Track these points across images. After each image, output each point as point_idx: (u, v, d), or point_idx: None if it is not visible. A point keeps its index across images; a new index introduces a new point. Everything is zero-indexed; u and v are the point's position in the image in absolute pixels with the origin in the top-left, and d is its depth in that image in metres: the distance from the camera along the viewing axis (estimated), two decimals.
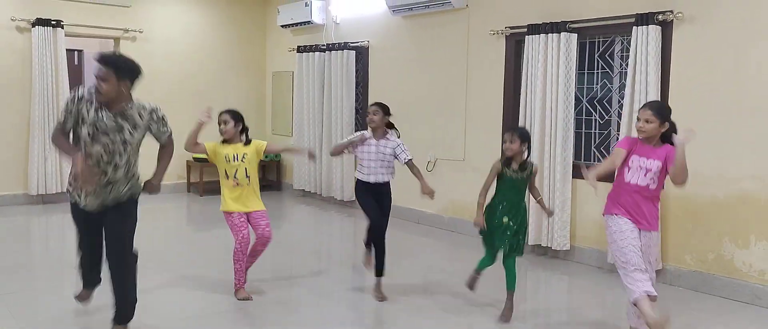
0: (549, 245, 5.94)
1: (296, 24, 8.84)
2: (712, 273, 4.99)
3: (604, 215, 3.88)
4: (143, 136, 3.68)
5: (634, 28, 5.23)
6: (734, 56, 4.81)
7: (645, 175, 3.71)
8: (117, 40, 8.77)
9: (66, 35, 8.18)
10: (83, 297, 4.12)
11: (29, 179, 8.08)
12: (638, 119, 3.74)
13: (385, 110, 4.84)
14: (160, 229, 7.19)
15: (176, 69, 9.19)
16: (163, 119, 3.73)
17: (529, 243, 6.07)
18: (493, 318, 4.37)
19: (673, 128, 3.74)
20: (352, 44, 8.23)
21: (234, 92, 9.79)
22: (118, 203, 3.67)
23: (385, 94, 7.93)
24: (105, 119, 3.51)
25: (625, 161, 3.75)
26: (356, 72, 8.31)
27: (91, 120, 3.50)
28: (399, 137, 4.91)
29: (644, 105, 3.81)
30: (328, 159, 8.52)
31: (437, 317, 4.41)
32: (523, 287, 5.15)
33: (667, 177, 3.74)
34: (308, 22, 8.62)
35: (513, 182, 4.22)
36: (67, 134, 3.63)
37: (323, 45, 8.57)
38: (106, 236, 3.69)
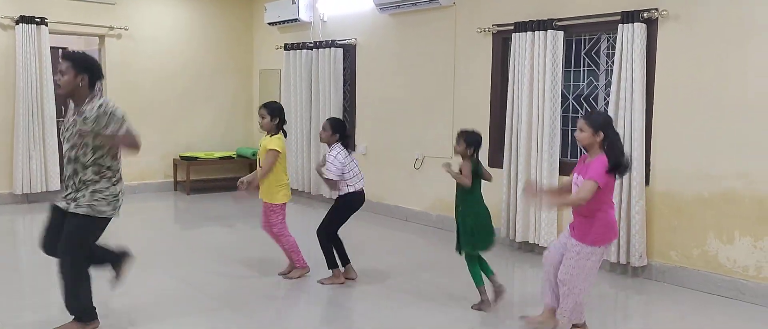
0: (536, 242, 5.97)
1: (283, 22, 8.81)
2: (696, 269, 5.04)
3: (589, 244, 3.76)
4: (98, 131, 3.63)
5: (620, 25, 5.27)
6: (719, 54, 4.85)
7: (576, 190, 3.73)
8: (102, 37, 8.70)
9: (50, 33, 8.09)
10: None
11: (14, 179, 8.00)
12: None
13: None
14: (146, 228, 7.15)
15: (162, 67, 9.14)
16: (112, 113, 3.64)
17: (517, 240, 6.11)
18: (480, 312, 4.38)
19: (614, 139, 3.69)
20: (339, 42, 8.22)
21: (221, 89, 9.75)
22: (76, 214, 3.67)
23: (372, 92, 7.95)
24: (69, 118, 3.71)
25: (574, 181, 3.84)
26: (344, 70, 8.30)
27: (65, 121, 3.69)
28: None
29: (580, 115, 3.85)
30: (315, 157, 8.51)
31: (423, 310, 4.42)
32: (510, 283, 5.17)
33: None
34: (295, 20, 8.60)
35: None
36: None
37: (310, 43, 8.56)
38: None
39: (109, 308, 4.29)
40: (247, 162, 9.78)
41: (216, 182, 9.61)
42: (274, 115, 4.95)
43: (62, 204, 3.75)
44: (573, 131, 5.97)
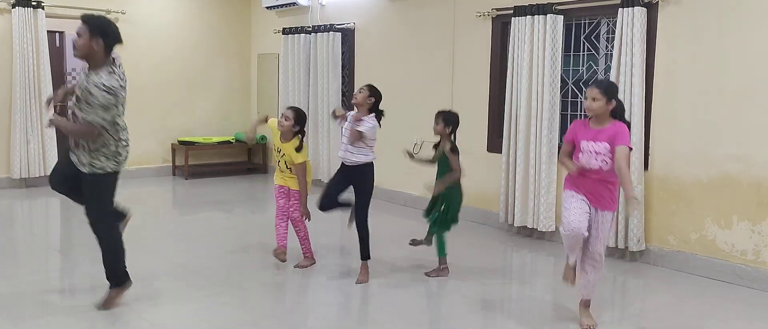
0: (535, 227, 5.98)
1: (281, 5, 8.75)
2: (694, 253, 5.05)
3: (615, 210, 3.90)
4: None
5: (620, 9, 5.24)
6: (718, 38, 4.83)
7: (596, 158, 3.70)
8: None
9: (47, 17, 8.04)
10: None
11: (11, 163, 7.99)
12: (586, 97, 3.72)
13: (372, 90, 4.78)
14: (145, 212, 7.15)
15: (160, 51, 9.09)
16: (96, 95, 3.66)
17: (515, 224, 6.11)
18: (476, 292, 4.40)
19: (621, 107, 3.76)
20: (337, 26, 8.18)
21: (219, 74, 9.71)
22: (83, 173, 3.85)
23: (371, 76, 7.90)
24: (81, 79, 3.77)
25: (578, 147, 3.77)
26: (342, 54, 8.26)
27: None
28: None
29: (591, 83, 3.83)
30: (314, 142, 8.50)
31: (426, 295, 4.43)
32: (509, 267, 5.18)
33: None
34: (293, 4, 8.54)
35: (440, 160, 4.79)
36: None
37: (309, 27, 8.51)
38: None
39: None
40: (245, 147, 9.77)
41: (214, 166, 9.60)
42: (298, 122, 4.83)
43: (73, 158, 3.88)
44: (573, 116, 5.99)
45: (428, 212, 4.86)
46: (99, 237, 3.99)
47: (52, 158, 8.12)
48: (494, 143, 6.44)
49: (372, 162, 4.76)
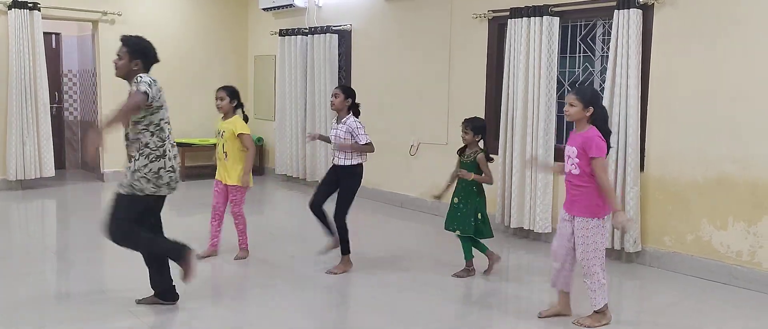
0: (531, 228, 5.99)
1: (278, 7, 8.76)
2: (690, 254, 5.06)
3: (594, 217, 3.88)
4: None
5: (616, 11, 5.25)
6: (714, 40, 4.85)
7: (567, 162, 3.82)
8: (95, 23, 8.64)
9: (43, 18, 8.04)
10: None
11: (7, 165, 7.97)
12: (565, 103, 3.83)
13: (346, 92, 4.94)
14: None
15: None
16: (138, 83, 3.76)
17: (512, 226, 6.12)
18: (474, 293, 4.40)
19: (601, 114, 3.80)
20: (334, 28, 8.19)
21: (216, 75, 9.67)
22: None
23: (367, 78, 7.92)
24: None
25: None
26: (339, 56, 8.27)
27: None
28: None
29: (571, 90, 3.91)
30: (311, 144, 8.50)
31: (422, 295, 4.44)
32: (505, 269, 5.19)
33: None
34: (290, 6, 8.55)
35: (464, 166, 4.73)
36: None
37: (305, 28, 8.51)
38: None
39: (106, 296, 4.29)
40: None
41: (210, 168, 9.54)
42: (233, 97, 5.09)
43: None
44: None
45: (454, 226, 4.77)
46: (142, 251, 4.04)
47: (49, 161, 8.12)
48: (491, 145, 6.42)
49: (362, 164, 4.90)
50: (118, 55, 3.88)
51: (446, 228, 4.85)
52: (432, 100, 7.09)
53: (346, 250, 4.94)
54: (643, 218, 5.28)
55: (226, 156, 5.03)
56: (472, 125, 4.71)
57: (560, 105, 6.00)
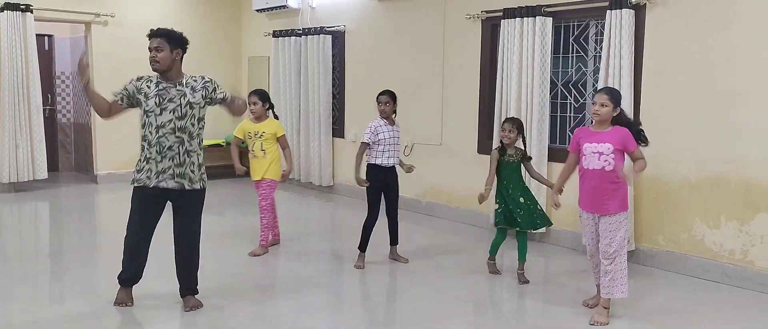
0: None
1: (272, 8, 8.75)
2: (683, 253, 5.09)
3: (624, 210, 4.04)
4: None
5: (608, 11, 5.27)
6: (706, 39, 4.87)
7: (599, 158, 3.91)
8: (88, 24, 8.61)
9: (36, 20, 8.01)
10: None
11: (0, 167, 7.93)
12: (594, 103, 3.95)
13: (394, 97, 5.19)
14: None
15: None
16: (213, 80, 4.16)
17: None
18: (468, 293, 4.40)
19: (623, 114, 4.02)
20: (328, 29, 8.19)
21: (209, 77, 9.67)
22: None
23: (361, 79, 7.92)
24: (170, 90, 3.92)
25: (581, 151, 3.99)
26: (333, 57, 8.27)
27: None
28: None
29: (599, 90, 4.04)
30: (306, 145, 8.50)
31: (423, 295, 4.44)
32: (501, 268, 5.20)
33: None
34: (284, 7, 8.54)
35: (509, 166, 4.79)
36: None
37: (299, 30, 8.51)
38: None
39: (104, 298, 4.28)
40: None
41: (212, 169, 9.54)
42: (265, 100, 5.40)
43: (170, 183, 3.89)
44: (562, 117, 6.03)
45: (507, 222, 4.80)
46: (193, 250, 4.12)
47: (42, 163, 8.09)
48: (484, 145, 6.46)
49: (370, 164, 5.12)
50: (155, 48, 3.84)
51: (528, 228, 4.82)
52: (426, 100, 7.10)
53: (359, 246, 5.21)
54: (636, 217, 5.30)
55: (265, 154, 5.33)
56: (517, 125, 4.78)
57: (553, 105, 6.03)
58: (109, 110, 3.97)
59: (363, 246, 5.14)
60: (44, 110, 8.29)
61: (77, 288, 4.59)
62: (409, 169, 5.30)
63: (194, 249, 4.10)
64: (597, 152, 3.90)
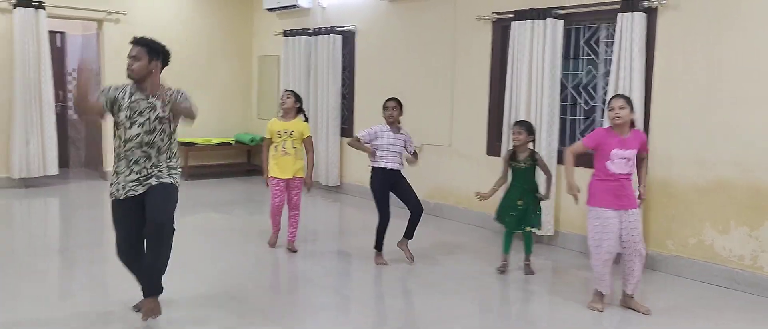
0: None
1: (282, 7, 8.77)
2: (693, 258, 5.06)
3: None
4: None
5: (620, 14, 5.25)
6: (717, 43, 4.84)
7: (626, 164, 4.17)
8: (100, 22, 8.66)
9: (48, 17, 8.06)
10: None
11: (11, 163, 7.99)
12: (612, 108, 4.14)
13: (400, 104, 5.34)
14: None
15: None
16: (185, 92, 3.93)
17: None
18: (475, 295, 4.40)
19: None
20: (338, 29, 8.20)
21: (219, 75, 9.73)
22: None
23: (371, 79, 7.93)
24: (140, 102, 3.73)
25: (606, 156, 4.14)
26: (343, 57, 8.28)
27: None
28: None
29: (615, 96, 4.25)
30: (315, 144, 8.50)
31: (430, 298, 4.44)
32: (508, 271, 5.19)
33: None
34: (294, 6, 8.56)
35: (522, 172, 4.91)
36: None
37: (310, 29, 8.53)
38: None
39: (113, 295, 4.30)
40: (244, 148, 9.77)
41: (214, 167, 9.60)
42: (298, 100, 5.49)
43: (139, 190, 3.68)
44: (572, 120, 6.01)
45: (517, 225, 4.96)
46: (165, 242, 3.75)
47: (53, 159, 8.14)
48: (493, 147, 6.45)
49: (371, 167, 5.20)
50: (133, 57, 3.72)
51: (516, 229, 4.98)
52: (435, 101, 7.10)
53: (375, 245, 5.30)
54: (645, 221, 5.27)
55: (297, 152, 5.39)
56: (526, 127, 4.87)
57: (563, 108, 6.01)
58: (101, 111, 3.78)
59: (379, 246, 5.20)
60: (56, 106, 8.34)
61: (86, 285, 4.62)
62: (410, 161, 5.32)
63: (163, 235, 3.69)
64: (625, 158, 4.14)
